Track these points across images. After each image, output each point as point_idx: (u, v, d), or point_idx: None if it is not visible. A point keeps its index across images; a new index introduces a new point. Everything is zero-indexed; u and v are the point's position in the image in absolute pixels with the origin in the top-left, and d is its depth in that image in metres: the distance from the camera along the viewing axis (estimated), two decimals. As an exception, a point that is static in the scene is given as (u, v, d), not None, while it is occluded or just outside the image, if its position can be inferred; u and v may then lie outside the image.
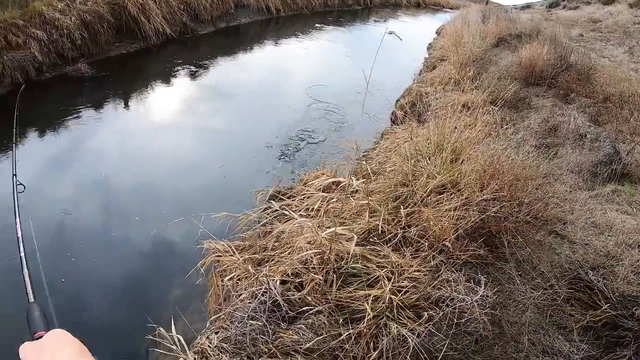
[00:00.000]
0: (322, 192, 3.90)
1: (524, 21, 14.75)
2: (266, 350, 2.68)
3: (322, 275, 2.87)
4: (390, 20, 21.66)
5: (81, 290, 4.22)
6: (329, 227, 3.06)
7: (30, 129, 7.54)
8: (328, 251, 2.92)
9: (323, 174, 4.37)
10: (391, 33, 2.99)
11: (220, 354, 2.75)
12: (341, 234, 3.11)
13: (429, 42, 15.43)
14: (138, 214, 5.31)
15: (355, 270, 2.98)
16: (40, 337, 0.97)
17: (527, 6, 32.59)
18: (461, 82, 7.58)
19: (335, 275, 2.90)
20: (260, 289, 2.84)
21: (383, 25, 19.22)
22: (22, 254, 1.81)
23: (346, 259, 2.98)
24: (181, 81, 9.91)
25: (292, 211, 3.76)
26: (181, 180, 5.94)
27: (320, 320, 2.74)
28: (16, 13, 9.10)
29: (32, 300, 1.21)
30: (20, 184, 3.36)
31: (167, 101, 9.00)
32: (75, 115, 8.07)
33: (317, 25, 15.06)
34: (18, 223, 2.96)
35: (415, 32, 18.65)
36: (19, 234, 2.90)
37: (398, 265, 3.10)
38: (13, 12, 9.05)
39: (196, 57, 11.02)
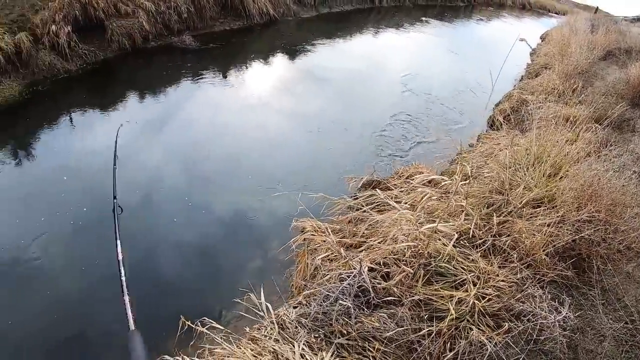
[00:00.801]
0: (416, 187, 3.93)
1: (635, 35, 13.80)
2: (345, 332, 2.79)
3: (413, 269, 2.93)
4: (493, 20, 20.86)
5: (178, 254, 4.52)
6: (427, 223, 3.11)
7: (133, 91, 8.10)
8: (424, 246, 2.98)
9: (421, 171, 4.38)
10: (522, 40, 2.95)
11: (298, 328, 2.89)
12: (440, 231, 3.15)
13: (533, 48, 14.76)
14: (236, 185, 5.56)
15: (442, 270, 3.03)
16: None
17: (639, 19, 30.33)
18: (565, 94, 7.29)
19: (423, 271, 2.96)
20: (350, 272, 2.94)
21: (487, 25, 18.58)
22: (123, 279, 1.83)
23: (436, 257, 3.03)
24: (280, 61, 10.14)
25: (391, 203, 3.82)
26: (274, 157, 6.15)
27: (402, 312, 2.82)
28: (126, -17, 9.66)
29: (132, 328, 1.01)
30: (119, 206, 3.62)
31: (265, 79, 9.28)
32: (176, 83, 8.57)
33: (422, 18, 14.71)
34: (119, 245, 3.19)
35: (519, 35, 17.79)
36: (120, 257, 3.13)
37: (485, 271, 3.11)
38: (123, -17, 9.62)
39: (297, 40, 11.21)
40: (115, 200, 3.69)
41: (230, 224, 4.88)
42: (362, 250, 3.28)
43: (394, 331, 2.71)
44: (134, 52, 9.37)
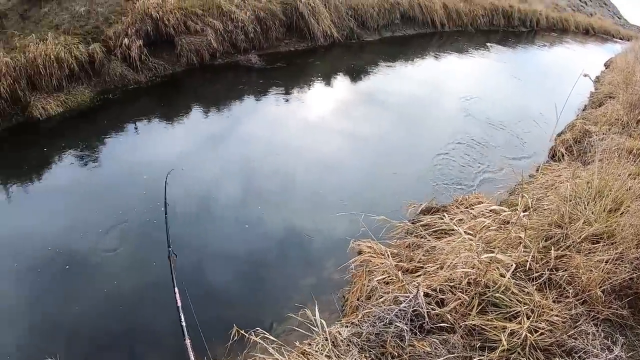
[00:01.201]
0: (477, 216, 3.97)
1: None
2: (395, 354, 2.88)
3: (469, 295, 2.99)
4: (556, 45, 20.23)
5: (236, 269, 4.75)
6: (485, 252, 3.16)
7: (198, 104, 8.60)
8: (481, 275, 3.04)
9: (481, 200, 4.41)
10: (586, 76, 3.00)
11: (350, 346, 3.00)
12: (499, 261, 3.19)
13: (596, 75, 14.25)
14: (296, 205, 5.78)
15: (497, 300, 3.07)
16: None
17: None
18: (629, 125, 7.11)
19: (478, 300, 3.02)
20: (406, 296, 3.03)
21: (549, 50, 18.12)
22: (183, 324, 1.98)
23: (492, 287, 3.08)
24: (342, 83, 10.34)
25: (450, 231, 3.89)
26: (332, 179, 6.31)
27: (455, 339, 2.88)
28: (196, 2, 10.28)
29: None
30: (174, 254, 3.85)
31: (327, 100, 9.49)
32: (239, 100, 9.00)
33: (487, 44, 14.51)
34: (177, 293, 3.41)
35: (582, 62, 17.19)
36: (179, 304, 3.36)
37: (539, 305, 3.13)
38: (193, 2, 10.24)
39: (359, 62, 11.39)
40: (170, 249, 3.94)
41: (287, 242, 5.08)
42: (419, 276, 3.36)
43: (444, 357, 2.78)
44: (201, 68, 9.86)
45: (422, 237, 3.98)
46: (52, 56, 7.92)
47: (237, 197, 5.78)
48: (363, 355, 2.87)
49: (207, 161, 6.65)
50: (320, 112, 8.73)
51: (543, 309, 3.15)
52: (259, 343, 3.04)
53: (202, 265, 4.67)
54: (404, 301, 3.03)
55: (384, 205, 5.23)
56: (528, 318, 3.02)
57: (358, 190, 6.02)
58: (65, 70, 8.16)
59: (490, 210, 4.05)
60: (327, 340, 3.07)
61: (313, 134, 7.75)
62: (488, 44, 14.43)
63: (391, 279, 3.41)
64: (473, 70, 12.39)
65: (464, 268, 3.16)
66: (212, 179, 6.22)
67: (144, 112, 8.31)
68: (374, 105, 9.11)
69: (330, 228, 5.15)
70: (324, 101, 9.29)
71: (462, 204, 4.34)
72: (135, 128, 7.82)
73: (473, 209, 4.19)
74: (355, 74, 10.56)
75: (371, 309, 3.17)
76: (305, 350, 3.04)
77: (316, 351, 2.97)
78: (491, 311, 3.07)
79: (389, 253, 3.55)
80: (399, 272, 3.27)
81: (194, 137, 7.61)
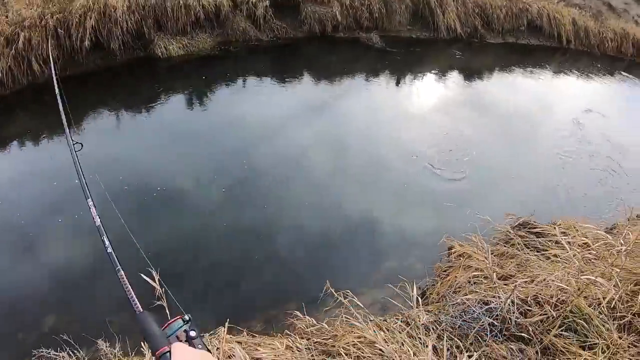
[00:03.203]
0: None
1: None
2: (471, 349, 3.13)
3: (555, 314, 3.18)
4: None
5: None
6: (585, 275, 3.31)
7: (312, 72, 9.11)
8: (574, 295, 3.20)
9: (579, 227, 4.40)
10: None
11: (430, 331, 3.27)
12: (593, 288, 3.33)
13: None
14: (403, 194, 6.06)
15: (577, 326, 3.24)
16: (164, 354, 0.91)
17: None
18: None
19: (560, 321, 3.20)
20: (494, 299, 3.28)
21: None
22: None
23: (576, 313, 3.24)
24: (456, 80, 10.17)
25: (543, 250, 4.05)
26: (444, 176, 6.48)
27: (530, 352, 3.10)
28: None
29: (139, 310, 1.08)
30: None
31: (435, 94, 9.50)
32: (351, 76, 9.31)
33: (621, 72, 13.22)
34: None
35: None
36: None
37: (615, 344, 3.26)
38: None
39: (476, 63, 11.17)
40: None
41: (393, 225, 5.42)
42: (506, 284, 3.56)
43: (517, 365, 3.00)
44: (321, 37, 10.17)
45: (517, 248, 4.13)
46: (181, 1, 8.55)
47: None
48: (440, 342, 3.12)
49: (305, 131, 7.14)
50: (425, 105, 8.85)
51: (618, 348, 3.28)
52: (345, 304, 3.38)
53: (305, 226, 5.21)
54: (493, 303, 3.27)
55: (488, 207, 5.37)
56: (603, 352, 3.17)
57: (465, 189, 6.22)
58: (192, 17, 8.78)
59: (587, 239, 4.10)
60: (410, 319, 3.38)
61: (416, 127, 7.88)
62: (623, 73, 13.20)
63: (480, 280, 3.63)
64: (589, 96, 11.41)
65: (557, 284, 3.31)
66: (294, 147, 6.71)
67: (259, 69, 8.83)
68: (482, 111, 8.88)
69: (427, 220, 5.48)
70: (432, 95, 9.32)
71: (560, 226, 4.40)
72: (247, 83, 8.36)
73: (570, 232, 4.25)
74: (470, 74, 10.41)
75: (458, 301, 3.42)
76: (379, 323, 3.35)
77: (394, 328, 3.28)
78: (568, 336, 3.23)
79: (489, 255, 3.74)
80: (494, 274, 3.47)
81: (300, 102, 8.12)
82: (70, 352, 3.09)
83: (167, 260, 4.56)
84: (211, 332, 3.33)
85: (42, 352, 3.00)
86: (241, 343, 3.04)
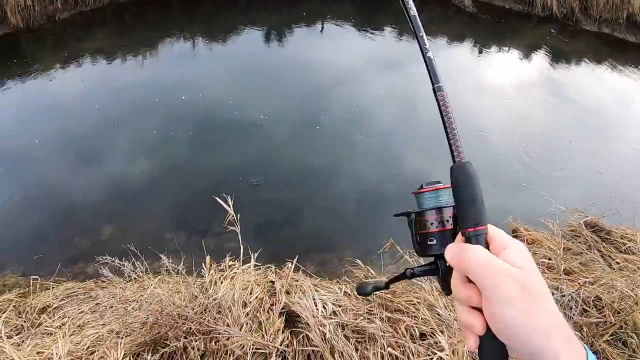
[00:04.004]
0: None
1: None
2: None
3: (614, 320, 3.10)
4: None
5: None
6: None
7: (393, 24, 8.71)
8: (633, 308, 3.11)
9: None
10: None
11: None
12: None
13: None
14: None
15: (629, 339, 3.14)
16: (479, 234, 0.67)
17: None
18: None
19: (614, 329, 3.12)
20: (558, 292, 3.21)
21: None
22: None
23: (630, 325, 3.14)
24: (541, 61, 9.64)
25: (610, 254, 3.92)
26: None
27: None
28: None
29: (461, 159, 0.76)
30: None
31: (520, 71, 9.06)
32: (432, 36, 8.99)
33: None
34: None
35: None
36: None
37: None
38: None
39: (568, 48, 10.51)
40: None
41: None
42: (571, 280, 3.47)
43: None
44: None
45: (584, 247, 4.01)
46: None
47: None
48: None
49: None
50: (504, 81, 8.37)
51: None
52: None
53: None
54: (555, 295, 3.20)
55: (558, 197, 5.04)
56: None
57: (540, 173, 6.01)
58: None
59: None
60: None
61: (487, 99, 7.62)
62: None
63: (543, 270, 3.54)
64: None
65: (622, 291, 3.21)
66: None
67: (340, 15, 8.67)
68: (563, 98, 8.43)
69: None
70: (512, 71, 8.81)
71: (628, 233, 4.20)
72: (329, 29, 8.26)
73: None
74: (558, 58, 9.81)
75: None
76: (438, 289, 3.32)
77: (451, 297, 3.24)
78: (617, 346, 3.14)
79: (562, 246, 3.65)
80: (562, 267, 3.40)
81: (376, 55, 8.00)
82: (135, 263, 3.09)
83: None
84: (267, 266, 3.40)
85: (106, 259, 2.96)
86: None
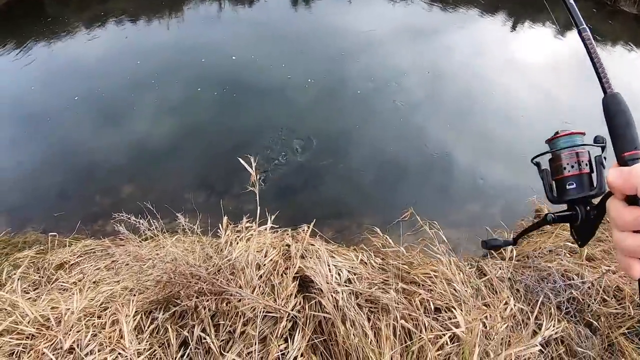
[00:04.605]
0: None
1: None
2: (539, 317, 2.99)
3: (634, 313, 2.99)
4: None
5: None
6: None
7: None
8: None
9: None
10: None
11: (499, 281, 3.16)
12: None
13: None
14: None
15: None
16: (635, 159, 0.65)
17: None
18: None
19: (632, 322, 3.02)
20: (578, 277, 3.11)
21: None
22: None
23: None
24: (573, 40, 9.31)
25: None
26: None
27: (596, 341, 2.93)
28: None
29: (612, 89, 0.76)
30: None
31: (551, 48, 8.65)
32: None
33: None
34: None
35: None
36: None
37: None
38: None
39: (605, 28, 10.12)
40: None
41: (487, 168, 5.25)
42: (594, 267, 3.36)
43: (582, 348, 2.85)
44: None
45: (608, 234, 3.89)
46: None
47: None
48: (512, 298, 3.01)
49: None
50: (533, 60, 8.09)
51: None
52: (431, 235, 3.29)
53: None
54: (576, 280, 3.10)
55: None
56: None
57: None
58: None
59: None
60: (482, 270, 3.29)
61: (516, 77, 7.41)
62: None
63: (565, 253, 3.43)
64: None
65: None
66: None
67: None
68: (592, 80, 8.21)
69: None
70: (542, 49, 8.48)
71: None
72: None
73: None
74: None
75: (540, 267, 3.28)
76: (458, 264, 3.25)
77: (469, 273, 3.18)
78: (634, 340, 3.04)
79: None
80: (585, 252, 3.29)
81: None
82: (151, 221, 3.09)
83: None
84: (284, 229, 3.38)
85: (122, 215, 2.87)
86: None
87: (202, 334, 2.40)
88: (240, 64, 6.32)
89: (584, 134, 0.78)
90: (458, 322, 2.47)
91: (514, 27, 8.89)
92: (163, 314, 2.57)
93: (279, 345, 2.31)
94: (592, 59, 0.81)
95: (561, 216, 0.78)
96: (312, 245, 2.94)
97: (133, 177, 4.74)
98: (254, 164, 2.72)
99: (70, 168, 4.91)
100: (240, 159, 2.74)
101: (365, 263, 2.97)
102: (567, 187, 0.76)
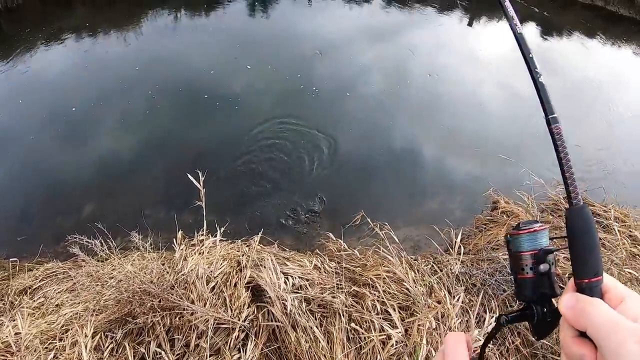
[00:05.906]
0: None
1: None
2: (497, 311, 3.08)
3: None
4: None
5: None
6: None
7: None
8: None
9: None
10: None
11: (456, 282, 3.23)
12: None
13: None
14: None
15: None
16: (595, 286, 0.60)
17: None
18: None
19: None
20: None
21: None
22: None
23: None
24: (529, 33, 9.51)
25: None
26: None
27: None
28: None
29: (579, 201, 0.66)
30: None
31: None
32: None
33: None
34: None
35: None
36: None
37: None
38: None
39: (558, 20, 10.34)
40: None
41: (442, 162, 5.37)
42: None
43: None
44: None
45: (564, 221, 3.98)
46: None
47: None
48: (468, 296, 3.08)
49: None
50: (492, 54, 8.30)
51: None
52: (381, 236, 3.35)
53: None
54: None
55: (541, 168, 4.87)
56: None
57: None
58: None
59: (630, 235, 3.85)
60: (438, 266, 3.36)
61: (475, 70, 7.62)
62: None
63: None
64: None
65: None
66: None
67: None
68: (550, 71, 8.29)
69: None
70: (500, 44, 8.69)
71: (611, 210, 4.09)
72: None
73: (624, 221, 3.99)
74: (548, 30, 9.69)
75: (495, 259, 3.36)
76: (411, 262, 3.32)
77: (424, 270, 3.25)
78: None
79: (538, 219, 3.62)
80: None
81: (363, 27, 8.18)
82: (103, 241, 3.08)
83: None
84: (242, 239, 3.41)
85: (75, 237, 2.88)
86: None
87: (159, 350, 2.44)
88: (196, 76, 6.35)
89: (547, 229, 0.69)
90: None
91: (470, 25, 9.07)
92: (121, 332, 2.60)
93: (232, 357, 2.35)
94: (559, 159, 0.70)
95: (516, 316, 0.71)
96: (265, 254, 2.99)
97: (93, 196, 4.69)
98: (202, 178, 2.76)
99: (31, 190, 4.84)
100: (188, 175, 2.78)
101: (319, 268, 3.01)
102: (526, 284, 0.68)
